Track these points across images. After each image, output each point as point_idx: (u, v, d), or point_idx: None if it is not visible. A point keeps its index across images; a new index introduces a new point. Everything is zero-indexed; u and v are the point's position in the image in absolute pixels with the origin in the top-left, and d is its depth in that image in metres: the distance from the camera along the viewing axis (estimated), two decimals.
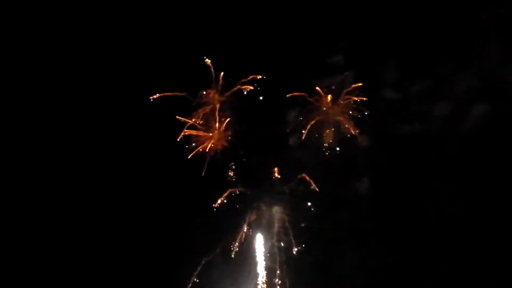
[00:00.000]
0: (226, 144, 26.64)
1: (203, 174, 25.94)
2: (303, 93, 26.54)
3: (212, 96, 26.36)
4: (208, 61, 25.94)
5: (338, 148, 26.85)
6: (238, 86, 26.21)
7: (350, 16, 26.52)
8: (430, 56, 25.89)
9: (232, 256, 25.47)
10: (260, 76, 26.15)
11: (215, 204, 25.82)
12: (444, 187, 25.08)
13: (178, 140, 25.91)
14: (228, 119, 26.48)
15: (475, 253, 23.88)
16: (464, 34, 25.34)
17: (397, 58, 26.13)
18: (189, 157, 25.96)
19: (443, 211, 24.96)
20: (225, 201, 25.95)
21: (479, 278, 23.38)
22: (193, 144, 26.27)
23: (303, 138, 26.67)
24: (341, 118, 26.73)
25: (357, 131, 26.42)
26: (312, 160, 26.75)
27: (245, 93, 26.19)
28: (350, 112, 26.73)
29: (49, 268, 24.41)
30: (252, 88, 26.08)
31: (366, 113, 26.46)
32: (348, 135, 26.55)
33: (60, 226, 24.94)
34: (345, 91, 26.55)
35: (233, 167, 26.66)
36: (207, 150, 26.23)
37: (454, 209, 24.66)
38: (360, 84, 26.30)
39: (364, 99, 26.28)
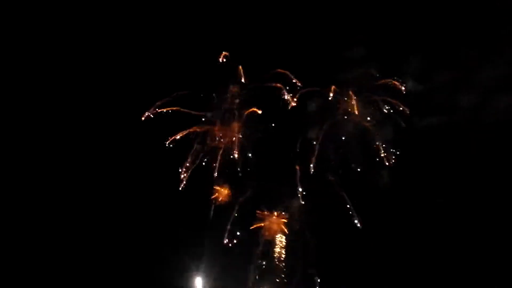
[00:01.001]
0: (243, 140, 26.20)
1: (215, 174, 25.70)
2: (319, 88, 26.02)
3: (230, 92, 26.04)
4: (226, 53, 25.56)
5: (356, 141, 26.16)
6: (259, 83, 25.79)
7: (369, 8, 25.80)
8: (453, 45, 25.15)
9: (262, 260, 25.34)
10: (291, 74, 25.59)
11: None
12: (471, 181, 24.47)
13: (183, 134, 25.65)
14: (247, 112, 25.99)
15: (501, 245, 23.40)
16: (490, 21, 24.50)
17: (419, 49, 25.46)
18: (204, 152, 25.72)
19: (469, 204, 24.41)
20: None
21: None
22: (208, 141, 26.00)
23: (321, 133, 25.97)
24: (361, 119, 26.05)
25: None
26: (331, 155, 26.21)
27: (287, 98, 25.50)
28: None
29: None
30: (280, 85, 25.55)
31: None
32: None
33: (68, 229, 25.02)
34: (367, 88, 25.90)
35: (251, 165, 26.26)
36: (223, 146, 25.93)
37: (479, 202, 24.20)
38: (396, 82, 25.82)
39: (407, 111, 25.47)
